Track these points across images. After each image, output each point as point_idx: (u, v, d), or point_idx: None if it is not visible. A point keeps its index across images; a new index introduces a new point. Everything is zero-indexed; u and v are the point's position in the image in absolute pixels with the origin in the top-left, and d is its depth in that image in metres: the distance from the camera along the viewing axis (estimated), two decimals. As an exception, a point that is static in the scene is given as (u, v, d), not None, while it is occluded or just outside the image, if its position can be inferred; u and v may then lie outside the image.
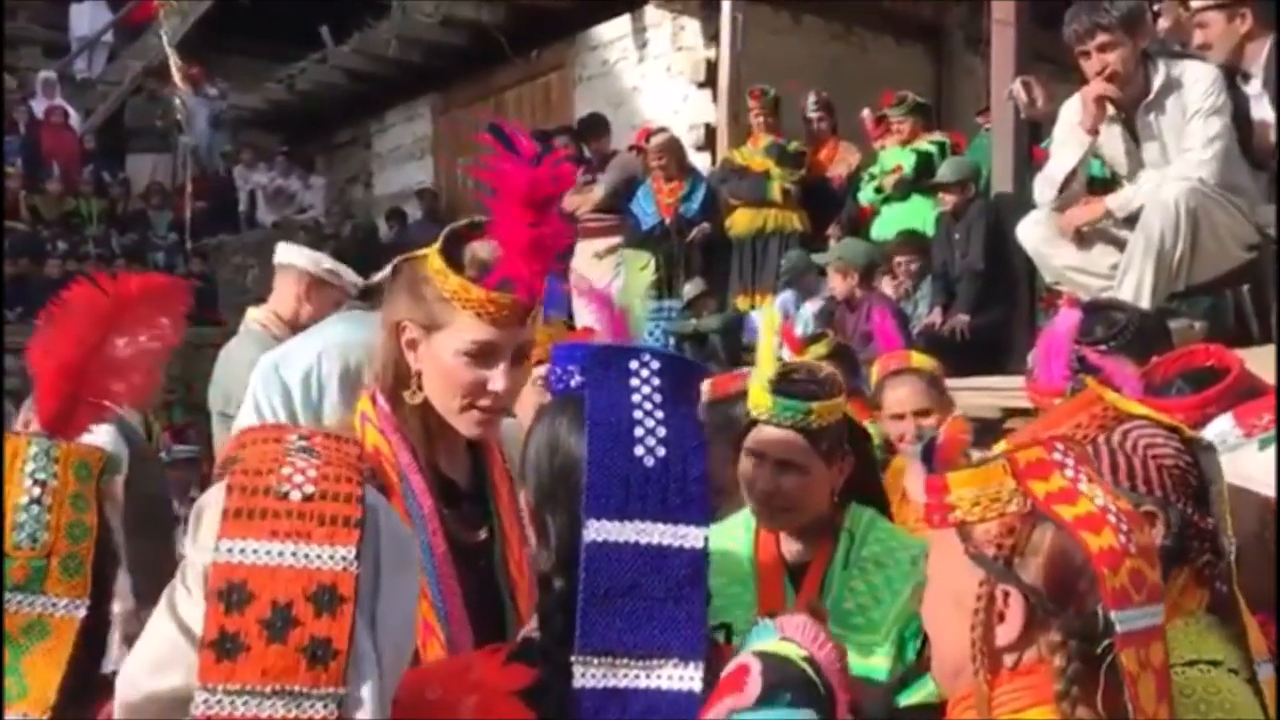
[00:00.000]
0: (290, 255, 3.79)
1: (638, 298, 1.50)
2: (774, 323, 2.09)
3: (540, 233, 1.52)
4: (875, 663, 1.91)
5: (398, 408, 1.67)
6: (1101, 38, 3.76)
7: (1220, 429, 1.67)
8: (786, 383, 2.05)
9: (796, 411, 2.01)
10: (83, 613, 1.29)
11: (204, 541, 1.12)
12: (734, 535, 2.16)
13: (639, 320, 1.41)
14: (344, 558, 1.09)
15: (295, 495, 1.11)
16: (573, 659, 1.21)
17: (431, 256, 1.62)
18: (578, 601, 1.22)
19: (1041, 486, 1.18)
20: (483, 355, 1.62)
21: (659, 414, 1.28)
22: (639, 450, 1.25)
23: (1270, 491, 1.59)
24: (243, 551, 1.08)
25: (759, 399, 2.06)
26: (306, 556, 1.08)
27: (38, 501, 1.30)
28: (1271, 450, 1.61)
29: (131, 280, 1.41)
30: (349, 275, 3.77)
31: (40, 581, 1.29)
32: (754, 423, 2.08)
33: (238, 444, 1.22)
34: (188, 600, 1.12)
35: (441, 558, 1.64)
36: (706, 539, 1.24)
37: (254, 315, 3.81)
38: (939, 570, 1.28)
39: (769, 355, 2.06)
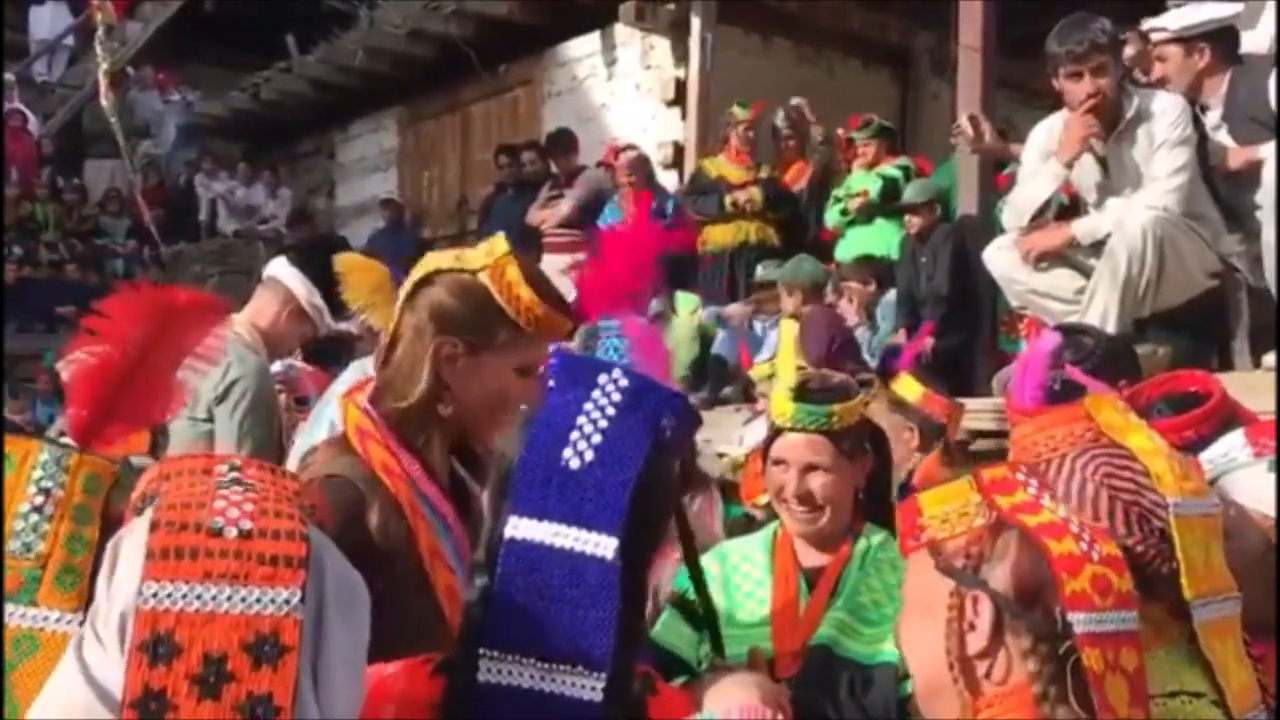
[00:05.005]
0: (285, 275, 3.69)
1: (685, 343, 1.50)
2: (792, 334, 2.14)
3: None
4: (888, 648, 1.97)
5: (399, 423, 1.63)
6: (1096, 59, 3.80)
7: (1230, 444, 1.64)
8: (806, 390, 2.14)
9: (819, 416, 2.11)
10: (75, 629, 1.17)
11: (121, 586, 0.97)
12: (754, 543, 2.26)
13: (682, 364, 1.43)
14: (286, 601, 0.96)
15: (231, 532, 0.97)
16: (479, 652, 1.20)
17: (515, 280, 1.62)
18: (490, 596, 1.22)
19: (1006, 500, 1.22)
20: (532, 370, 1.66)
21: (603, 424, 1.27)
22: (567, 452, 1.24)
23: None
24: (170, 597, 0.94)
25: (782, 407, 2.14)
26: (244, 600, 0.95)
27: (39, 510, 1.25)
28: None
29: (176, 294, 1.34)
30: (328, 317, 3.73)
31: (32, 592, 1.23)
32: (778, 432, 2.16)
33: (158, 475, 1.07)
34: (100, 653, 0.97)
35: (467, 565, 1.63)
36: (618, 551, 1.21)
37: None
38: (911, 590, 1.30)
39: (789, 365, 2.10)
